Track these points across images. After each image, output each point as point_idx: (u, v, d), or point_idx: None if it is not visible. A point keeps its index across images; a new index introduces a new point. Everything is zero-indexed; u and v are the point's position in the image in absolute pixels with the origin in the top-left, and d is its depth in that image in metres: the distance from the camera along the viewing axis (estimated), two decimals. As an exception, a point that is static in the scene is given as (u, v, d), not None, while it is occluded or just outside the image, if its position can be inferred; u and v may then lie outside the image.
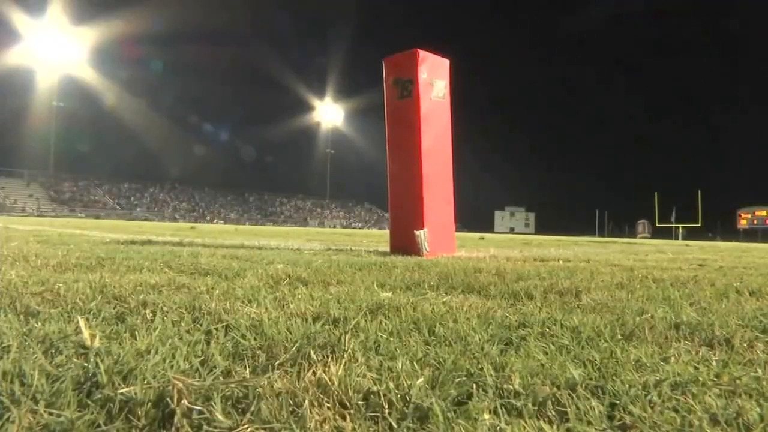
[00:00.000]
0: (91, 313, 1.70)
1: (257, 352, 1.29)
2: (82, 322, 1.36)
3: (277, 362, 1.20)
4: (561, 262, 4.88)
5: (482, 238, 17.11)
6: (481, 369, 1.18)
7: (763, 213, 73.19)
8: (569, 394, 1.04)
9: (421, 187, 5.58)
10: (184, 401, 0.93)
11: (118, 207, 68.35)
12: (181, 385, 0.97)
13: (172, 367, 1.13)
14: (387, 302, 2.02)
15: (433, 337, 1.51)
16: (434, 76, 5.83)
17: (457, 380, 1.10)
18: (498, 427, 0.90)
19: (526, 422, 0.92)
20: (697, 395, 1.05)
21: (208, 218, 71.13)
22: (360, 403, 0.98)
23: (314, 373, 1.11)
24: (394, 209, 6.01)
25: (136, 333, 1.42)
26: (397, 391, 1.02)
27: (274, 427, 0.87)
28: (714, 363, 1.31)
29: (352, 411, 0.95)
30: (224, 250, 5.23)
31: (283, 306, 1.92)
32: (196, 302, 1.91)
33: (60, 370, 1.09)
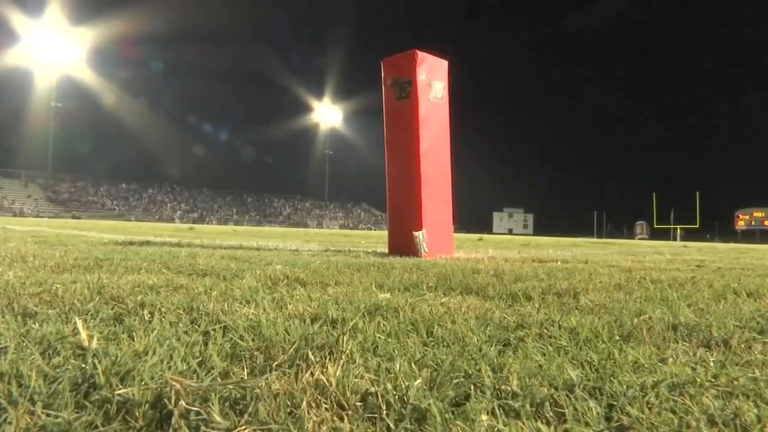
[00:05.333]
0: (89, 314, 1.70)
1: (255, 353, 1.28)
2: (79, 323, 1.35)
3: (275, 363, 1.20)
4: (559, 263, 4.89)
5: (481, 239, 17.12)
6: (479, 370, 1.18)
7: (761, 214, 73.42)
8: (567, 395, 1.04)
9: (420, 188, 5.58)
10: (182, 402, 0.93)
11: (116, 208, 68.24)
12: (178, 386, 0.97)
13: (169, 368, 1.13)
14: (385, 303, 2.02)
15: (431, 338, 1.51)
16: (433, 78, 5.83)
17: (455, 381, 1.10)
18: (496, 428, 0.90)
19: (523, 423, 0.92)
20: (694, 396, 1.05)
21: (206, 219, 71.04)
22: (358, 404, 0.97)
23: (312, 374, 1.11)
24: (393, 210, 6.01)
25: (134, 334, 1.41)
26: (395, 392, 1.02)
27: (272, 429, 0.87)
28: (712, 364, 1.32)
29: (350, 412, 0.95)
30: (222, 251, 5.22)
31: (282, 307, 1.92)
32: (194, 303, 1.90)
33: (57, 371, 1.08)
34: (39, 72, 70.96)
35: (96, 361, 1.12)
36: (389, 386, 1.04)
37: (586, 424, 0.93)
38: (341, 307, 1.93)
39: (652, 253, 8.15)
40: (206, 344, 1.35)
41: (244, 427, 0.87)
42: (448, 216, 6.06)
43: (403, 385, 1.05)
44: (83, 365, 1.11)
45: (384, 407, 0.96)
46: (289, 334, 1.46)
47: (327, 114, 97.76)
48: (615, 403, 1.02)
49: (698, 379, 1.16)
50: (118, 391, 0.96)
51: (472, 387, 1.07)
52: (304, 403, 0.95)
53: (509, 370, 1.19)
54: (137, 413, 0.90)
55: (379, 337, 1.47)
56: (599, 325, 1.72)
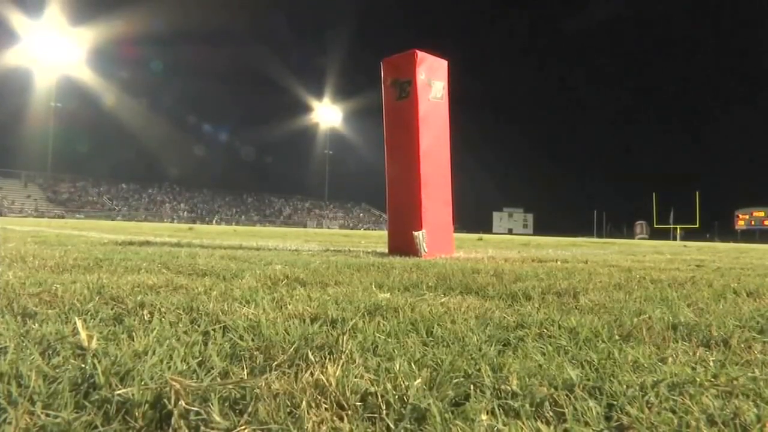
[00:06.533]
0: (89, 314, 1.70)
1: (255, 353, 1.28)
2: (79, 324, 1.35)
3: (275, 363, 1.20)
4: (559, 263, 4.89)
5: (480, 239, 17.13)
6: (479, 370, 1.18)
7: (761, 214, 73.48)
8: (567, 395, 1.04)
9: (420, 188, 5.58)
10: (182, 402, 0.93)
11: (116, 208, 68.22)
12: (178, 386, 0.97)
13: (169, 368, 1.13)
14: (385, 303, 2.02)
15: (430, 338, 1.51)
16: (432, 77, 5.83)
17: (455, 381, 1.10)
18: (495, 428, 0.90)
19: (523, 423, 0.92)
20: (694, 396, 1.05)
21: (206, 219, 71.04)
22: (357, 404, 0.97)
23: (312, 374, 1.11)
24: (393, 210, 6.01)
25: (134, 334, 1.41)
26: (394, 392, 1.02)
27: (272, 428, 0.87)
28: (711, 364, 1.32)
29: (349, 412, 0.95)
30: (222, 251, 5.22)
31: (281, 307, 1.92)
32: (194, 303, 1.90)
33: (57, 371, 1.08)
34: (39, 72, 70.99)
35: (96, 361, 1.12)
36: (389, 386, 1.04)
37: (586, 423, 0.93)
38: (341, 307, 1.93)
39: (652, 253, 8.15)
40: (206, 344, 1.35)
41: (243, 427, 0.87)
42: (448, 216, 6.06)
43: (403, 385, 1.05)
44: (83, 365, 1.11)
45: (384, 407, 0.96)
46: (288, 334, 1.46)
47: (327, 114, 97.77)
48: (615, 402, 1.02)
49: (698, 379, 1.16)
50: (118, 391, 0.96)
51: (471, 387, 1.07)
52: (304, 403, 0.95)
53: (509, 369, 1.19)
54: (137, 413, 0.90)
55: (379, 337, 1.47)
56: (599, 325, 1.72)
